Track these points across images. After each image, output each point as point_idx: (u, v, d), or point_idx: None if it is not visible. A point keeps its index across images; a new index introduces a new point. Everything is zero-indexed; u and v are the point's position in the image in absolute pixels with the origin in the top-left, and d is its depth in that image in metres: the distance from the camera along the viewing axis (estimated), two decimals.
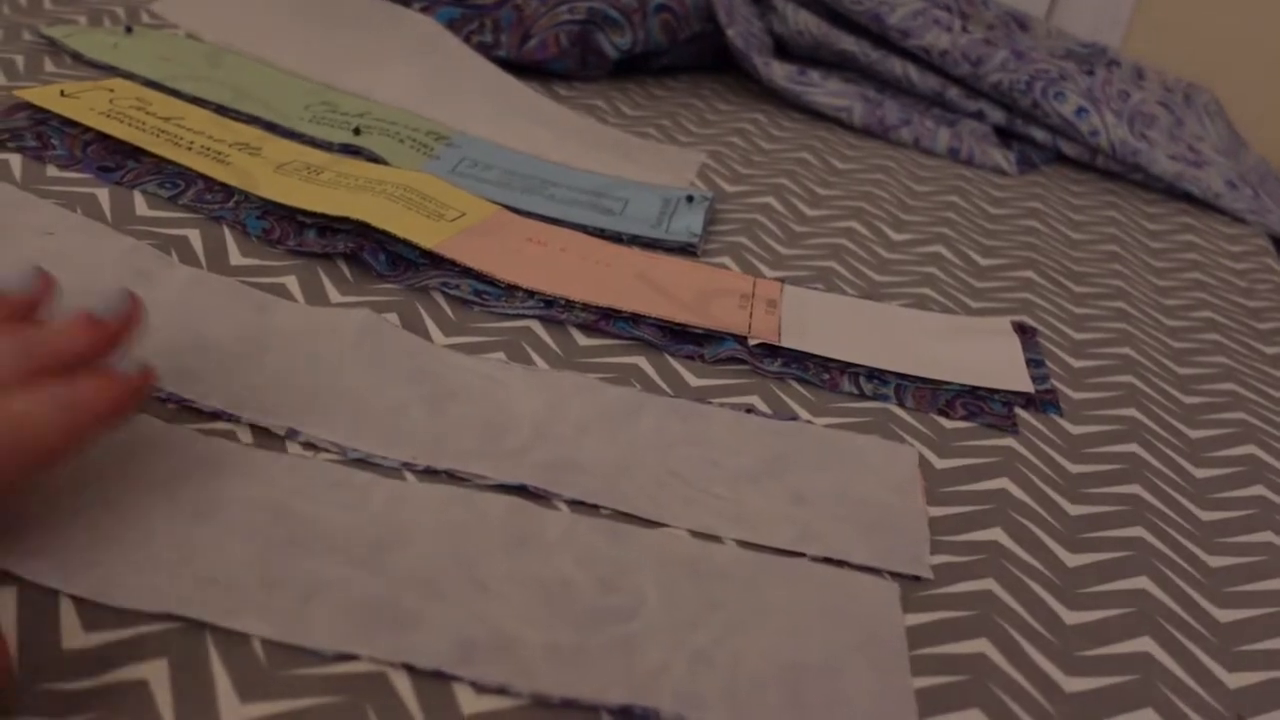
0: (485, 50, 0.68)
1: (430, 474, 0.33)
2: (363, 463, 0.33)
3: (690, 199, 0.55)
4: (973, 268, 0.55)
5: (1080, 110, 0.70)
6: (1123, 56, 0.79)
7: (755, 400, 0.40)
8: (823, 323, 0.46)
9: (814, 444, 0.38)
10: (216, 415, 0.34)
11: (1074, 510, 0.37)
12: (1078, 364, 0.47)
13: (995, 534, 0.35)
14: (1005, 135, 0.74)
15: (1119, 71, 0.78)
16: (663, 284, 0.46)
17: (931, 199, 0.63)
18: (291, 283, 0.42)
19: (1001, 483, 0.38)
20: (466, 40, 0.68)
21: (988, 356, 0.45)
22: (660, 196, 0.55)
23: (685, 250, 0.51)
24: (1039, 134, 0.73)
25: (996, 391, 0.43)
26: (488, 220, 0.48)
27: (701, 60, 0.79)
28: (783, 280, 0.49)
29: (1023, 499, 0.37)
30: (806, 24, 0.75)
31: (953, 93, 0.73)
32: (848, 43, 0.74)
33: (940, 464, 0.38)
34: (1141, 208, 0.68)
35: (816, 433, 0.38)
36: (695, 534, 0.33)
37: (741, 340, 0.43)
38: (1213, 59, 0.97)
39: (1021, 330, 0.48)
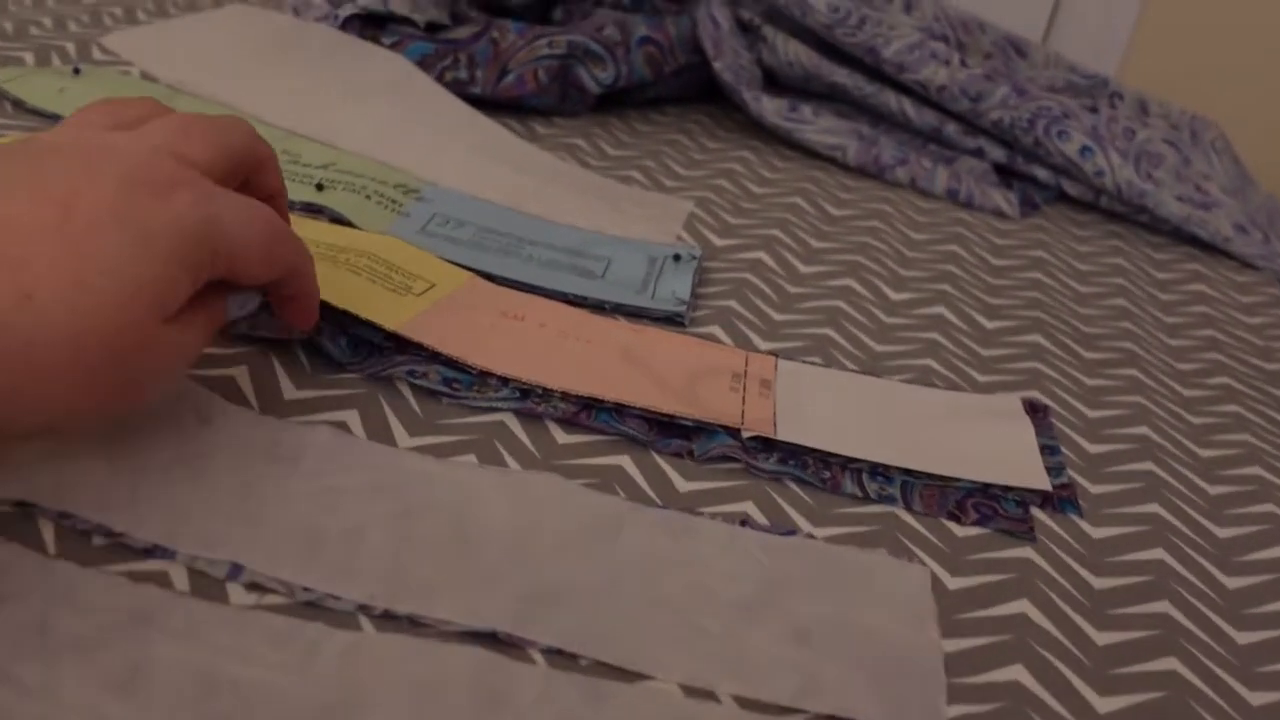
0: (460, 87, 0.65)
1: (389, 619, 0.30)
2: (313, 607, 0.30)
3: (677, 258, 0.52)
4: (978, 332, 0.51)
5: (1084, 149, 0.67)
6: (1125, 88, 0.75)
7: (750, 508, 0.37)
8: (821, 407, 0.42)
9: (816, 564, 0.34)
10: (149, 552, 0.30)
11: (1101, 638, 0.34)
12: (1094, 449, 0.44)
13: (1016, 673, 0.32)
14: (1005, 173, 0.71)
15: (1122, 106, 0.74)
16: (649, 363, 0.43)
17: (931, 249, 0.60)
18: (242, 375, 0.38)
19: (1020, 606, 0.34)
20: (440, 77, 0.64)
21: (999, 446, 0.42)
22: (645, 255, 0.52)
23: (673, 319, 0.47)
24: (1041, 173, 0.70)
25: (1011, 489, 0.39)
26: (459, 291, 0.45)
27: (689, 91, 0.76)
28: (776, 354, 0.46)
29: (1044, 626, 0.34)
30: (798, 55, 0.72)
31: (951, 129, 0.70)
32: (841, 75, 0.71)
33: (953, 583, 0.35)
34: (1149, 253, 0.65)
35: (818, 550, 0.35)
36: (687, 689, 0.29)
37: (734, 433, 0.39)
38: (1215, 83, 0.94)
39: (1033, 409, 0.45)
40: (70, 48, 0.61)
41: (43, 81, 0.54)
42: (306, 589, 0.30)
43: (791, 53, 0.72)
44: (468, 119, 0.61)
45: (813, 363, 0.46)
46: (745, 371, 0.44)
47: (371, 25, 0.65)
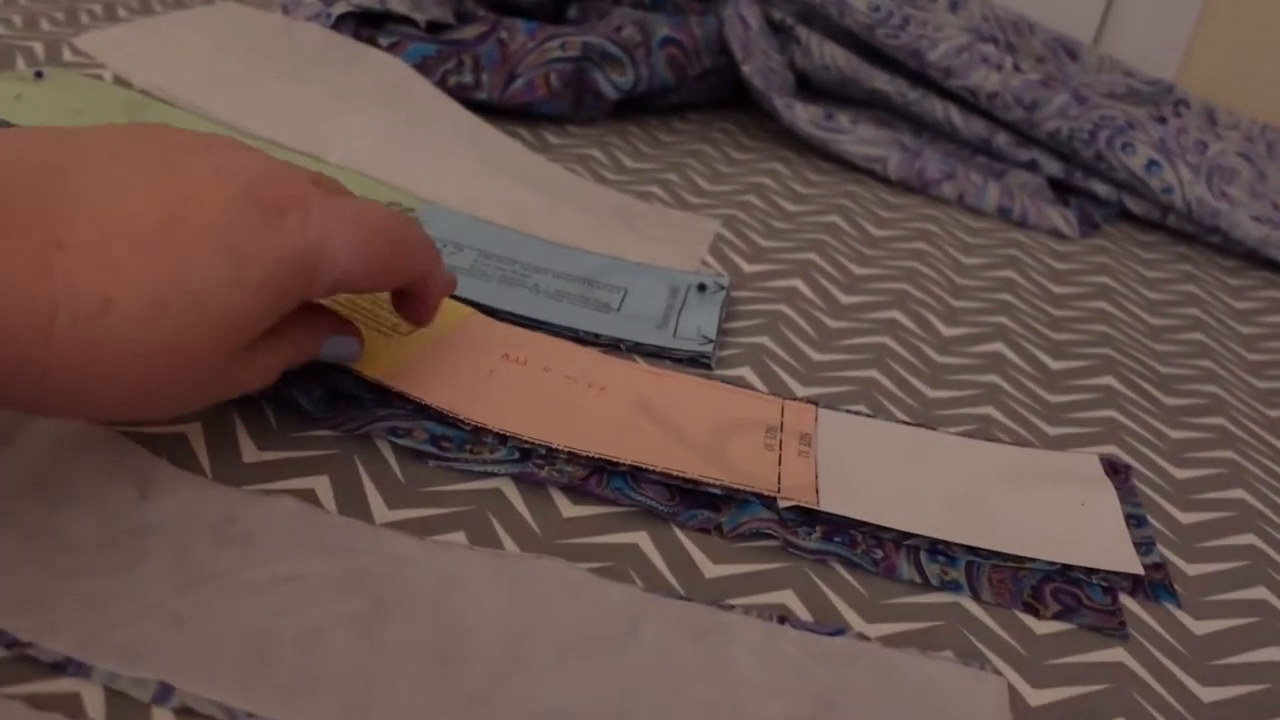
0: (464, 93, 0.59)
1: None
2: None
3: (703, 287, 0.46)
4: (1043, 374, 0.45)
5: (1151, 164, 0.61)
6: (1192, 96, 0.69)
7: (789, 598, 0.31)
8: (868, 468, 0.36)
9: (870, 676, 0.28)
10: (61, 666, 0.25)
11: None
12: (1185, 518, 0.38)
13: None
14: (1061, 188, 0.65)
15: (1189, 115, 0.68)
16: (670, 416, 0.37)
17: (984, 274, 0.54)
18: (195, 432, 0.33)
19: None
20: (442, 81, 0.59)
21: (1078, 518, 0.36)
22: (666, 284, 0.46)
23: (697, 361, 0.42)
24: (1101, 188, 0.63)
25: (1093, 572, 0.33)
26: (454, 332, 0.39)
27: (714, 96, 0.70)
28: (816, 402, 0.40)
29: None
30: (834, 58, 0.66)
31: (1001, 139, 0.64)
32: (881, 81, 0.65)
33: (1035, 696, 0.29)
34: (1223, 279, 0.59)
35: (873, 657, 0.29)
36: None
37: (769, 502, 0.34)
38: None
39: (1113, 469, 0.39)
40: (38, 48, 0.55)
41: (1, 88, 0.49)
42: (250, 715, 0.24)
43: (827, 55, 0.66)
44: (471, 129, 0.55)
45: (857, 412, 0.40)
46: (781, 424, 0.38)
47: (368, 24, 0.59)
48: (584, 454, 0.34)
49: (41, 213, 0.24)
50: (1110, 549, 0.34)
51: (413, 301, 0.35)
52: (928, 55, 0.63)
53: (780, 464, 0.36)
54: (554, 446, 0.34)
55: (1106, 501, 0.37)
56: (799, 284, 0.49)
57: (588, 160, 0.58)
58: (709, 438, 0.36)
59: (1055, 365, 0.46)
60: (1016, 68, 0.62)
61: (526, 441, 0.34)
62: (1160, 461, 0.41)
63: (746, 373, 0.42)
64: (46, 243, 0.24)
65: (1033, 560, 0.33)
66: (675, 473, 0.34)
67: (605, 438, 0.35)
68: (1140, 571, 0.34)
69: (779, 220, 0.55)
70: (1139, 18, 0.89)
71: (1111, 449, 0.41)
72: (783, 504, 0.34)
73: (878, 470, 0.37)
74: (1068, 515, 0.36)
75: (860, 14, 0.64)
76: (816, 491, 0.34)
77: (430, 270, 0.33)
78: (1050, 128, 0.62)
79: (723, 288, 0.46)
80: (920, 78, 0.65)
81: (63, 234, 0.24)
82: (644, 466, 0.34)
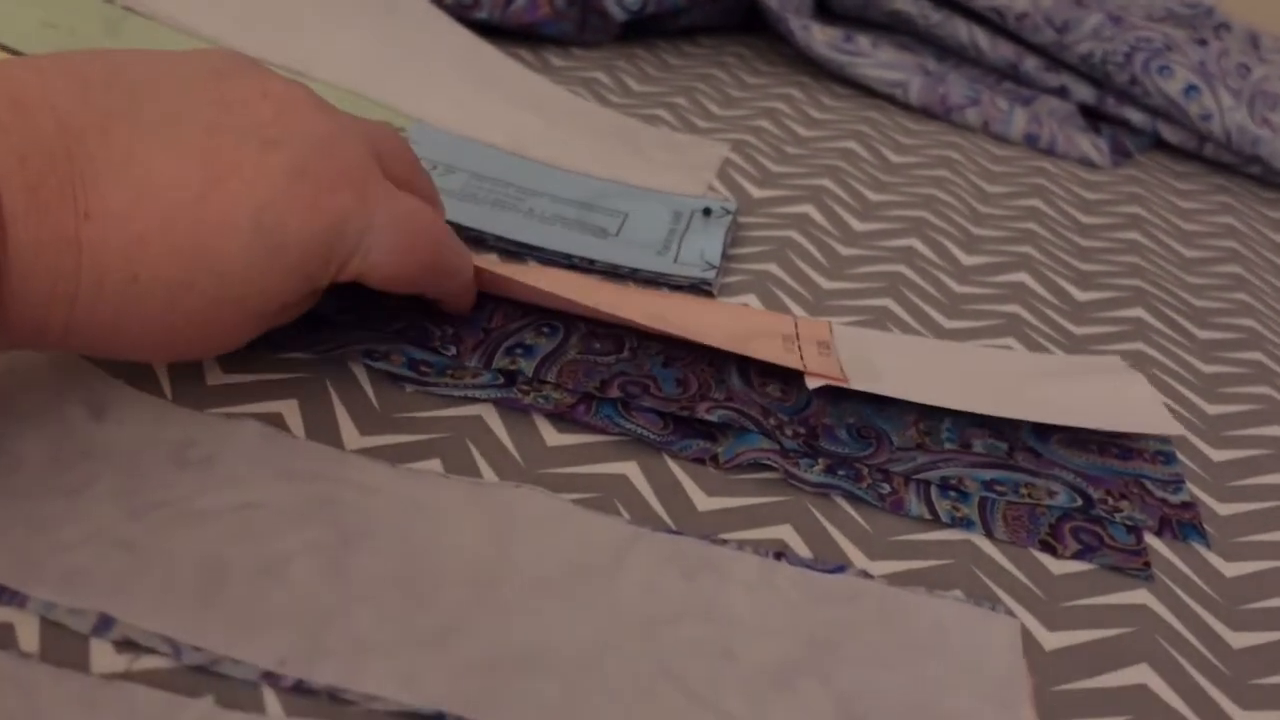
0: (463, 11, 0.56)
1: (302, 693, 0.22)
2: (203, 674, 0.22)
3: (708, 211, 0.43)
4: (1068, 305, 0.43)
5: (1190, 89, 0.58)
6: (1234, 20, 0.65)
7: (788, 533, 0.29)
8: (893, 364, 0.35)
9: (873, 615, 0.26)
10: None
11: None
12: (1218, 455, 0.35)
13: None
14: (1092, 116, 0.62)
15: (1230, 38, 0.64)
16: (685, 324, 0.35)
17: (1009, 203, 0.51)
18: None
19: (1139, 674, 0.26)
20: (439, 0, 0.56)
21: (1111, 394, 0.34)
22: (669, 208, 0.44)
23: (699, 288, 0.39)
24: (1135, 115, 0.60)
25: (1117, 510, 0.31)
26: None
27: (727, 20, 0.67)
28: (830, 322, 0.38)
29: (1173, 704, 0.26)
30: None
31: (1030, 64, 0.61)
32: (903, 1, 0.62)
33: (1051, 639, 0.27)
34: (1263, 211, 0.56)
35: (875, 596, 0.27)
36: None
37: (769, 432, 0.31)
38: None
39: None
40: None
41: None
42: (197, 648, 0.23)
43: None
44: (467, 47, 0.53)
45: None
46: (797, 334, 0.36)
47: None
48: (606, 316, 0.32)
49: (75, 179, 0.23)
50: (1147, 417, 0.33)
51: (447, 302, 0.33)
52: None
53: (803, 359, 0.34)
54: (576, 301, 0.32)
55: (1137, 383, 0.35)
56: (811, 210, 0.46)
57: (592, 83, 0.56)
58: (727, 338, 0.34)
59: (1081, 296, 0.44)
60: None
61: (521, 357, 0.32)
62: (1192, 397, 0.38)
63: (751, 300, 0.39)
64: (76, 213, 0.23)
65: (1057, 466, 0.31)
66: (697, 339, 0.32)
67: (625, 311, 0.33)
68: (1177, 430, 0.32)
69: (792, 145, 0.53)
70: None
71: None
72: (812, 382, 0.32)
73: (902, 365, 0.35)
74: (1100, 392, 0.34)
75: None
76: (844, 373, 0.33)
77: (463, 274, 0.32)
78: (1083, 50, 0.59)
79: (729, 212, 0.44)
80: None
81: (93, 202, 0.23)
82: (660, 330, 0.32)
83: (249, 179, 0.25)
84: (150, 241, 0.24)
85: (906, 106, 0.60)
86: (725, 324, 0.36)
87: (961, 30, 0.61)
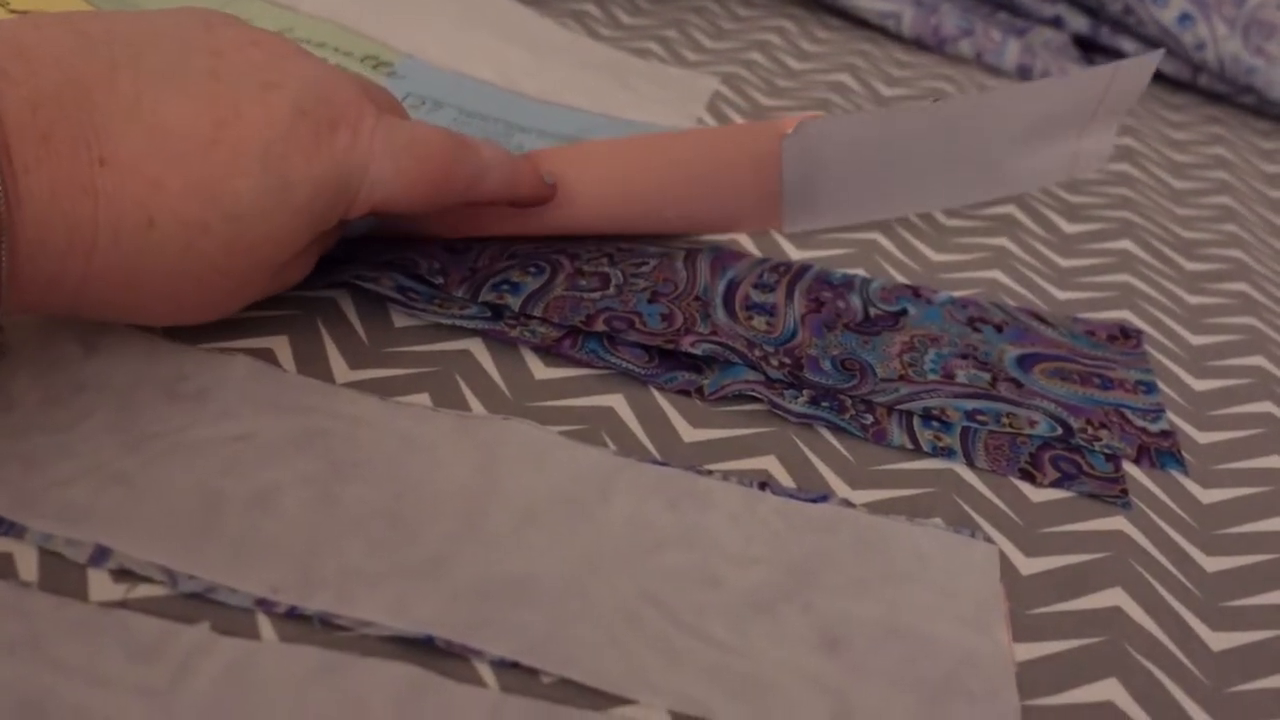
0: None
1: (295, 619, 0.23)
2: (199, 602, 0.23)
3: None
4: (1055, 237, 0.43)
5: (1184, 17, 0.57)
6: None
7: (772, 464, 0.29)
8: (841, 168, 0.37)
9: (853, 543, 0.27)
10: None
11: (1218, 641, 0.26)
12: (1199, 385, 0.36)
13: (1108, 690, 0.25)
14: (1086, 47, 0.61)
15: None
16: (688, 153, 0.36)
17: None
18: None
19: (1113, 597, 0.27)
20: None
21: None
22: None
23: None
24: (1129, 46, 0.59)
25: (1096, 439, 0.32)
26: None
27: None
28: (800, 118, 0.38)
29: (1144, 624, 0.26)
30: None
31: None
32: None
33: (1028, 565, 0.28)
34: (1255, 141, 0.56)
35: (856, 523, 0.28)
36: (679, 718, 0.22)
37: (754, 364, 0.32)
38: None
39: (1124, 334, 0.37)
40: None
41: None
42: (192, 577, 0.23)
43: None
44: None
45: (854, 273, 0.38)
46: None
47: None
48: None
49: (87, 128, 0.23)
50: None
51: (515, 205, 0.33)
52: None
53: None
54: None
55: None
56: None
57: (582, 16, 0.55)
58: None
59: (1069, 228, 0.44)
60: None
61: (508, 292, 0.32)
62: (1176, 327, 0.39)
63: (739, 238, 0.39)
64: (91, 160, 0.23)
65: (1038, 396, 0.32)
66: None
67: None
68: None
69: (783, 79, 0.52)
70: None
71: (1125, 314, 0.39)
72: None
73: (850, 166, 0.37)
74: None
75: None
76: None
77: (497, 189, 0.32)
78: None
79: None
80: None
81: (106, 149, 0.24)
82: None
83: (253, 119, 0.25)
84: (165, 185, 0.24)
85: (899, 38, 0.60)
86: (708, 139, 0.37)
87: None
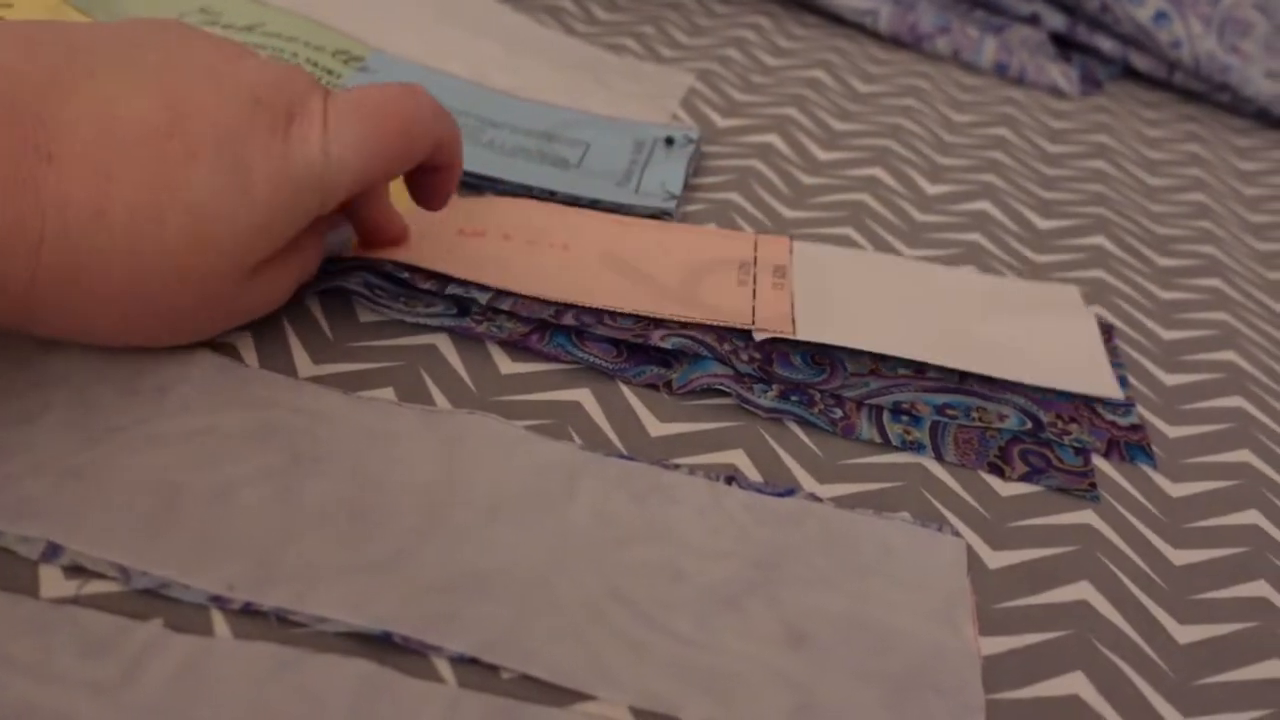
0: None
1: (251, 615, 0.23)
2: (152, 598, 0.23)
3: (670, 141, 0.43)
4: (1029, 234, 0.43)
5: (1160, 15, 0.57)
6: None
7: (739, 458, 0.29)
8: (847, 296, 0.35)
9: (820, 537, 0.27)
10: None
11: (1184, 634, 0.26)
12: (1170, 380, 0.36)
13: (1074, 683, 0.24)
14: (1064, 44, 0.61)
15: None
16: (638, 264, 0.35)
17: (975, 132, 0.51)
18: None
19: (1080, 590, 0.27)
20: None
21: (1058, 343, 0.35)
22: (631, 137, 0.43)
23: (659, 217, 0.39)
24: (1106, 44, 0.60)
25: (1066, 433, 0.31)
26: (405, 216, 0.37)
27: None
28: (791, 236, 0.38)
29: (1110, 618, 0.26)
30: None
31: None
32: None
33: (995, 559, 0.27)
34: (1230, 139, 0.56)
35: (822, 517, 0.27)
36: (641, 714, 0.22)
37: (724, 357, 0.32)
38: None
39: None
40: None
41: None
42: (145, 573, 0.23)
43: None
44: None
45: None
46: (755, 259, 0.36)
47: None
48: (547, 299, 0.32)
49: (32, 126, 0.23)
50: (1088, 374, 0.33)
51: (433, 178, 0.31)
52: None
53: (755, 298, 0.34)
54: (514, 291, 0.32)
55: (1085, 328, 0.36)
56: (775, 139, 0.46)
57: (557, 12, 0.55)
58: (679, 280, 0.34)
59: (1043, 224, 0.44)
60: None
61: (464, 295, 0.32)
62: (1148, 323, 0.39)
63: (711, 228, 0.39)
64: (38, 158, 0.23)
65: (1004, 398, 0.32)
66: (644, 313, 0.32)
67: (569, 287, 0.33)
68: (1119, 395, 0.32)
69: (758, 75, 0.52)
70: None
71: (1097, 309, 0.39)
72: (758, 335, 0.32)
73: (855, 296, 0.35)
74: (1046, 341, 0.35)
75: None
76: (793, 321, 0.33)
77: (445, 137, 0.30)
78: None
79: (691, 140, 0.43)
80: None
81: (54, 146, 0.23)
82: (610, 309, 0.32)
83: (208, 110, 0.25)
84: (116, 175, 0.23)
85: (876, 35, 0.60)
86: (684, 251, 0.36)
87: None
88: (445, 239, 0.35)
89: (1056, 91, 0.57)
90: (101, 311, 0.25)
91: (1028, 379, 0.32)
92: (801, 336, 0.32)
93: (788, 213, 0.41)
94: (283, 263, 0.28)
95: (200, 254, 0.25)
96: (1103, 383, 0.33)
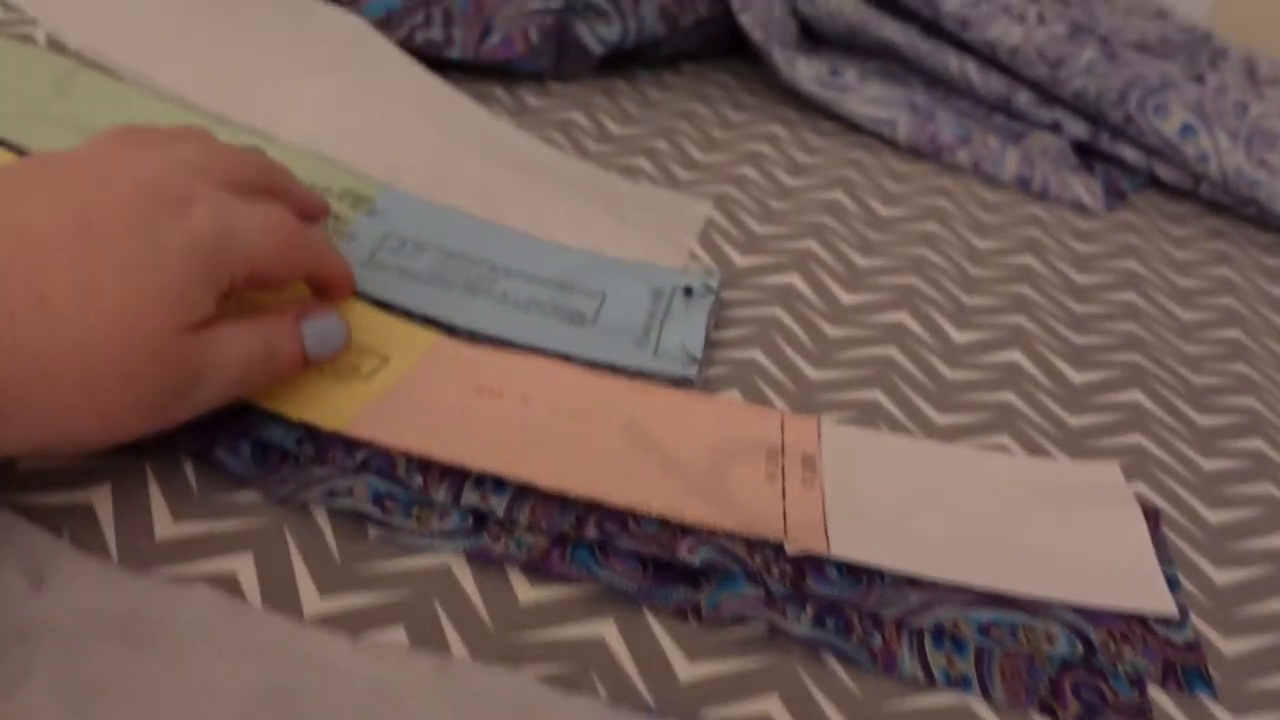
0: (434, 50, 0.54)
1: None
2: None
3: (689, 291, 0.41)
4: (1063, 390, 0.41)
5: (1186, 128, 0.56)
6: (1231, 45, 0.63)
7: (774, 706, 0.27)
8: (878, 494, 0.33)
9: None
10: None
11: None
12: (1221, 577, 0.34)
13: None
14: (1086, 152, 0.60)
15: (1227, 68, 0.62)
16: (662, 440, 0.33)
17: (1001, 261, 0.49)
18: (103, 500, 0.29)
19: None
20: (409, 37, 0.53)
21: (1105, 548, 0.33)
22: (649, 285, 0.41)
23: (680, 384, 0.37)
24: (1130, 153, 0.58)
25: (1119, 658, 0.30)
26: (422, 363, 0.35)
27: (711, 46, 0.64)
28: (818, 415, 0.36)
29: None
30: (840, 4, 0.60)
31: (1022, 98, 0.59)
32: (892, 30, 0.59)
33: None
34: (1259, 258, 0.54)
35: None
36: None
37: (756, 577, 0.30)
38: None
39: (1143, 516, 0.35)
40: None
41: None
42: None
43: (834, 1, 0.60)
44: (437, 96, 0.50)
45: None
46: (782, 445, 0.34)
47: None
48: (571, 495, 0.30)
49: None
50: (1139, 585, 0.31)
51: (329, 289, 0.35)
52: (943, 6, 0.57)
53: (784, 497, 0.32)
54: (538, 485, 0.30)
55: (1132, 522, 0.34)
56: (796, 280, 0.44)
57: (569, 126, 0.53)
58: (706, 465, 0.33)
59: (1077, 378, 0.42)
60: (1041, 19, 0.57)
61: (481, 507, 0.30)
62: (1193, 501, 0.37)
63: (735, 396, 0.37)
64: None
65: (1051, 615, 0.30)
66: (671, 515, 0.30)
67: (592, 475, 0.31)
68: (1173, 612, 0.31)
69: (776, 199, 0.50)
70: None
71: (1139, 486, 0.37)
72: (791, 549, 0.30)
73: (888, 497, 0.33)
74: (1094, 546, 0.33)
75: None
76: (825, 533, 0.31)
77: (327, 254, 0.34)
78: (1076, 87, 0.56)
79: (711, 289, 0.42)
80: (935, 28, 0.60)
81: None
82: (637, 510, 0.30)
83: (110, 209, 0.27)
84: (48, 265, 0.25)
85: (894, 143, 0.58)
86: (709, 432, 0.34)
87: (952, 62, 0.59)
88: (463, 398, 0.34)
89: (1080, 206, 0.55)
90: (70, 395, 0.25)
91: (1077, 598, 0.31)
92: (836, 552, 0.30)
93: (813, 373, 0.39)
94: (235, 325, 0.29)
95: (138, 311, 0.26)
96: (1155, 596, 0.31)
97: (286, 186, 0.35)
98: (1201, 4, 0.83)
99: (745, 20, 0.58)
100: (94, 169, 0.28)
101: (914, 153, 0.58)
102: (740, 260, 0.45)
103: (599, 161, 0.51)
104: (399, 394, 0.34)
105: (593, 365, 0.37)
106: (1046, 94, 0.59)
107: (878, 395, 0.39)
